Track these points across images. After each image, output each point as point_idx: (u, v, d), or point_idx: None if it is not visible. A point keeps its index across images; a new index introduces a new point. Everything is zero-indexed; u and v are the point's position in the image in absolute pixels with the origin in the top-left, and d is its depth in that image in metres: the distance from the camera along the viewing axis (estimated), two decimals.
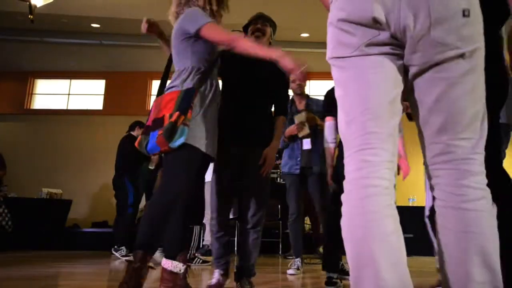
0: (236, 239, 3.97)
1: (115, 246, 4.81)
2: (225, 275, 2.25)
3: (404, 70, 1.00)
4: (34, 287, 2.40)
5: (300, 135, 3.40)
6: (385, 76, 0.97)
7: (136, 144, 1.89)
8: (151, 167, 5.42)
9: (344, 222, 0.96)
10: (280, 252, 5.60)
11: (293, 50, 8.40)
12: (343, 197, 0.98)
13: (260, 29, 2.33)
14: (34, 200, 6.63)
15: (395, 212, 0.94)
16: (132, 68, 8.88)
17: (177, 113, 1.75)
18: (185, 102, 1.79)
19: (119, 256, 4.68)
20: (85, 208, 8.25)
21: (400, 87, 1.00)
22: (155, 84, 9.25)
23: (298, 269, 3.42)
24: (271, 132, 2.30)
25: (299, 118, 3.40)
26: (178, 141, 1.74)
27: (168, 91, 1.89)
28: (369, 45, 0.97)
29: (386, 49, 0.97)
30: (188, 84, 1.86)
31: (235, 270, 2.23)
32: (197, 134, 1.82)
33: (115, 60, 8.82)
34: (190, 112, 1.79)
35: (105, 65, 9.00)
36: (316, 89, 9.04)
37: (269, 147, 2.21)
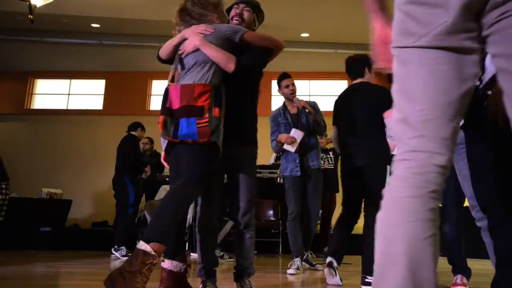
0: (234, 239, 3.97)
1: (115, 246, 4.81)
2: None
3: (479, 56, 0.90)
4: (34, 286, 2.40)
5: (287, 147, 3.52)
6: (448, 72, 0.88)
7: (159, 126, 1.84)
8: (144, 177, 5.44)
9: (380, 215, 0.93)
10: (280, 252, 5.60)
11: (293, 50, 8.39)
12: (386, 189, 0.94)
13: (239, 13, 2.23)
14: (34, 200, 6.63)
15: (436, 218, 0.88)
16: (132, 68, 8.89)
17: (218, 109, 1.82)
18: (219, 99, 1.86)
19: (119, 256, 4.68)
20: (85, 208, 8.25)
21: (466, 85, 0.90)
22: (155, 84, 9.25)
23: (298, 268, 3.42)
24: (255, 131, 2.28)
25: (297, 135, 3.52)
26: (216, 137, 1.80)
27: (192, 79, 1.90)
28: (436, 34, 0.87)
29: (455, 39, 0.87)
30: (215, 82, 1.92)
31: (234, 271, 2.23)
32: (220, 134, 1.87)
33: (115, 60, 8.83)
34: (218, 109, 1.85)
35: (105, 65, 9.01)
36: (315, 89, 9.05)
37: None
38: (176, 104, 1.85)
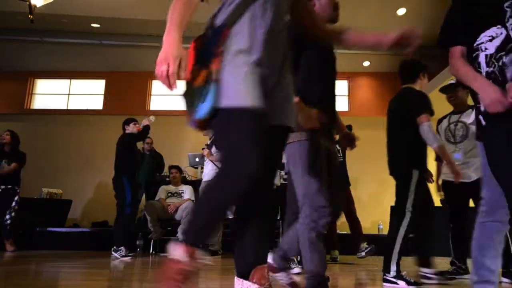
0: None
1: (114, 247, 4.79)
2: None
3: None
4: (34, 286, 2.39)
5: None
6: None
7: None
8: None
9: None
10: None
11: None
12: None
13: None
14: (34, 200, 6.63)
15: None
16: (132, 68, 8.88)
17: (192, 68, 1.21)
18: (209, 48, 1.21)
19: (118, 257, 4.67)
20: (85, 208, 8.26)
21: None
22: (155, 84, 9.25)
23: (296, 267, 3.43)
24: None
25: None
26: (203, 109, 1.17)
27: None
28: None
29: None
30: (217, 22, 1.29)
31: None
32: (238, 87, 1.17)
33: (115, 60, 8.83)
34: (218, 60, 1.19)
35: (105, 65, 9.00)
36: None
37: None
38: None
